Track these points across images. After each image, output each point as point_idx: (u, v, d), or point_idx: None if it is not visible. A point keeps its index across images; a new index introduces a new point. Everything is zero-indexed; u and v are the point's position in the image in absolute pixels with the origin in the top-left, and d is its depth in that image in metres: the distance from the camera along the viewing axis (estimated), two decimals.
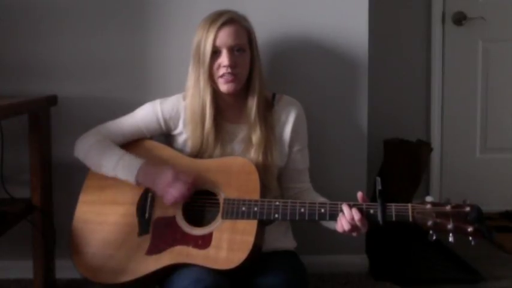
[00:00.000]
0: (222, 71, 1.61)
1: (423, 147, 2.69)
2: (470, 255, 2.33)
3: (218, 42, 1.60)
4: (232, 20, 1.62)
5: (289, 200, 1.52)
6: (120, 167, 1.60)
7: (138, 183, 1.59)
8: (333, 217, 1.46)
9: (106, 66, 2.08)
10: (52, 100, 2.02)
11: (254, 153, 1.64)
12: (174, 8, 2.06)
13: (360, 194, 1.46)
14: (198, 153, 1.66)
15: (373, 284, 2.12)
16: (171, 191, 1.53)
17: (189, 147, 1.70)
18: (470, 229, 1.34)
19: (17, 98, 1.90)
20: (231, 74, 1.61)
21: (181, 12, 2.05)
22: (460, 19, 2.94)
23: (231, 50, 1.61)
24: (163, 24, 2.07)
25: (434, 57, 2.96)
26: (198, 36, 1.64)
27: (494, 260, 2.38)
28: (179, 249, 1.51)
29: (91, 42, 2.07)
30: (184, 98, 1.71)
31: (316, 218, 1.48)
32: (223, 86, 1.63)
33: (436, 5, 2.94)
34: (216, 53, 1.61)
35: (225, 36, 1.60)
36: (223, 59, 1.60)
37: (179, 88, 1.74)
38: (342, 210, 1.44)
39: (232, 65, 1.60)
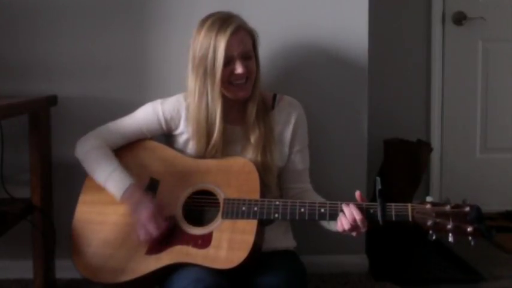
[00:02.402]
0: (235, 79, 1.60)
1: (423, 147, 2.70)
2: (471, 255, 2.33)
3: (230, 52, 1.57)
4: (239, 26, 1.59)
5: (289, 200, 1.52)
6: (110, 181, 1.60)
7: (122, 201, 1.59)
8: (333, 217, 1.46)
9: (106, 66, 2.09)
10: (52, 100, 2.02)
11: (253, 153, 1.63)
12: (174, 8, 2.06)
13: (358, 193, 1.46)
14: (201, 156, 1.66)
15: (373, 284, 2.12)
16: (139, 231, 1.53)
17: (190, 148, 1.70)
18: (469, 229, 1.34)
19: (17, 98, 1.90)
20: (246, 81, 1.61)
21: (182, 12, 2.05)
22: (460, 19, 2.94)
23: (243, 58, 1.59)
24: (164, 24, 2.07)
25: (434, 57, 2.97)
26: (202, 44, 1.59)
27: (494, 260, 2.37)
28: (179, 248, 1.51)
29: (91, 42, 2.07)
30: (185, 98, 1.71)
31: (316, 218, 1.48)
32: (238, 94, 1.62)
33: (436, 5, 2.94)
34: (227, 62, 1.58)
35: (236, 45, 1.57)
36: (238, 68, 1.58)
37: (179, 88, 1.74)
38: (342, 210, 1.45)
39: (246, 72, 1.60)
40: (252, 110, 1.66)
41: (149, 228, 1.51)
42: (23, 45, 2.06)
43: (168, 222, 1.54)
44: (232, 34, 1.56)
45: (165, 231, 1.53)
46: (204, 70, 1.59)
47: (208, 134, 1.63)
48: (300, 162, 1.74)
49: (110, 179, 1.60)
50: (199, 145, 1.65)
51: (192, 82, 1.64)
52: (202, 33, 1.60)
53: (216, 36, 1.56)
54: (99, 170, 1.63)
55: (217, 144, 1.63)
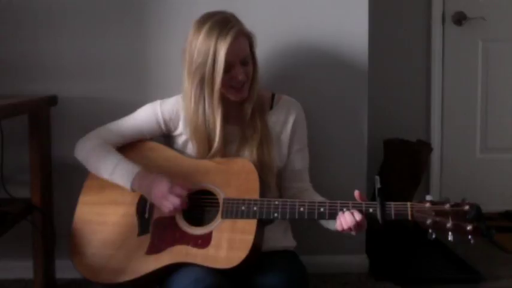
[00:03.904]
0: (235, 82, 1.59)
1: (423, 147, 2.69)
2: (470, 255, 2.33)
3: (230, 59, 1.54)
4: (239, 32, 1.56)
5: (289, 199, 1.52)
6: (117, 173, 1.60)
7: (133, 190, 1.59)
8: (332, 216, 1.46)
9: (106, 67, 2.09)
10: (52, 100, 2.02)
11: (251, 153, 1.63)
12: (174, 8, 2.06)
13: (357, 193, 1.46)
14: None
15: (373, 284, 2.12)
16: (166, 204, 1.53)
17: (189, 149, 1.70)
18: (469, 227, 1.34)
19: (17, 98, 1.90)
20: (243, 83, 1.60)
21: (182, 12, 2.05)
22: (460, 19, 2.93)
23: (242, 63, 1.59)
24: (164, 24, 2.07)
25: (434, 57, 2.96)
26: (200, 50, 1.55)
27: (494, 260, 2.38)
28: (179, 248, 1.51)
29: (91, 42, 2.08)
30: (183, 99, 1.70)
31: (316, 217, 1.48)
32: (236, 96, 1.62)
33: (436, 5, 2.94)
34: (227, 70, 1.56)
35: (236, 52, 1.55)
36: (239, 74, 1.57)
37: (179, 88, 1.73)
38: (341, 210, 1.45)
39: (246, 77, 1.60)
40: (247, 109, 1.66)
41: (176, 191, 1.52)
42: (23, 45, 2.07)
43: (189, 191, 1.55)
44: (233, 41, 1.54)
45: (191, 192, 1.54)
46: (202, 77, 1.57)
47: (209, 139, 1.63)
48: (299, 161, 1.74)
49: (115, 172, 1.60)
50: (200, 150, 1.65)
51: (188, 87, 1.62)
52: (200, 38, 1.56)
53: (216, 43, 1.53)
54: (103, 165, 1.62)
55: (219, 149, 1.63)
